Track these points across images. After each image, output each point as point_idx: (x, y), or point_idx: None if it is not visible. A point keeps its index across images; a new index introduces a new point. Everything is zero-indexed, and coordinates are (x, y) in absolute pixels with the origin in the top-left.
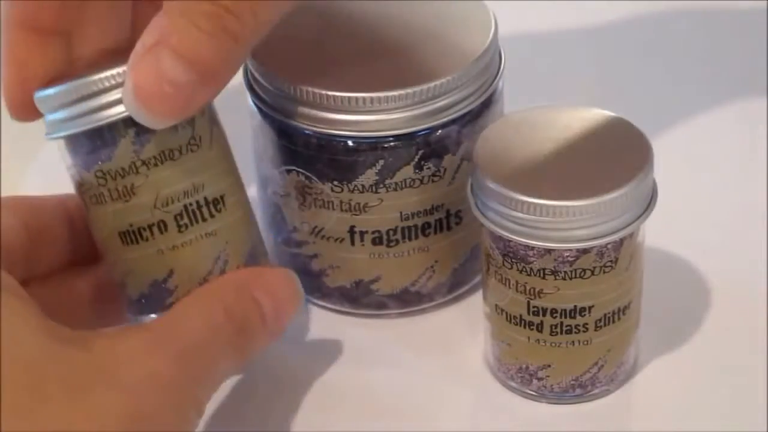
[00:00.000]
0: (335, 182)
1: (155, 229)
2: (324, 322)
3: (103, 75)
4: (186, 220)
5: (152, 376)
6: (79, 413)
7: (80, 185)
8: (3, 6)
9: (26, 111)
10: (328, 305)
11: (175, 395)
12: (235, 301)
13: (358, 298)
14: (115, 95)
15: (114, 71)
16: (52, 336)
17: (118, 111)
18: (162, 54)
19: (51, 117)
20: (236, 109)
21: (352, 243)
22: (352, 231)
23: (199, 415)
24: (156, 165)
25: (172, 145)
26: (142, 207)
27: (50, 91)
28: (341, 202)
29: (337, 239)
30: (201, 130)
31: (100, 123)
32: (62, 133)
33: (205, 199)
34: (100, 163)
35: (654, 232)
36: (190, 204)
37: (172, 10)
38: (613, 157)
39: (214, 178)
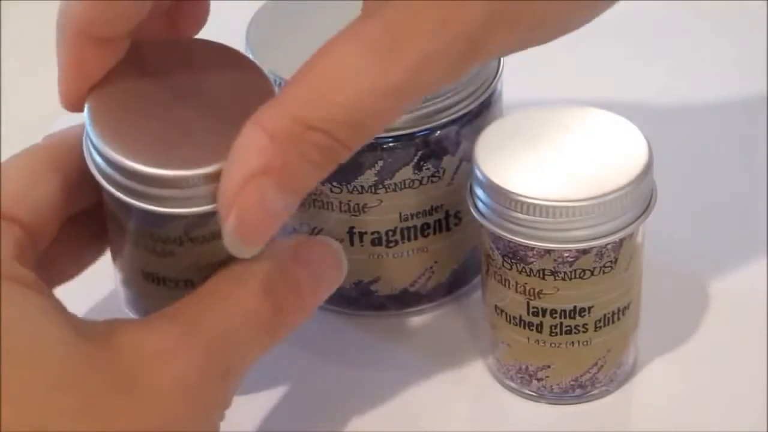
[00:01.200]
0: (334, 183)
1: (182, 284)
2: (323, 323)
3: (190, 173)
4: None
5: (178, 380)
6: (99, 421)
7: (114, 217)
8: (61, 12)
9: (81, 105)
10: (328, 306)
11: (202, 396)
12: (271, 278)
13: (358, 299)
14: (195, 192)
15: (203, 171)
16: (75, 335)
17: (196, 208)
18: (267, 188)
19: (113, 174)
20: None
21: (352, 244)
22: (351, 232)
23: (225, 407)
24: (203, 243)
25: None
26: (176, 267)
27: (137, 166)
28: (340, 202)
29: (336, 240)
30: None
31: (171, 212)
32: (122, 198)
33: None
34: (149, 226)
35: (654, 232)
36: (221, 265)
37: (278, 134)
38: (613, 157)
39: None
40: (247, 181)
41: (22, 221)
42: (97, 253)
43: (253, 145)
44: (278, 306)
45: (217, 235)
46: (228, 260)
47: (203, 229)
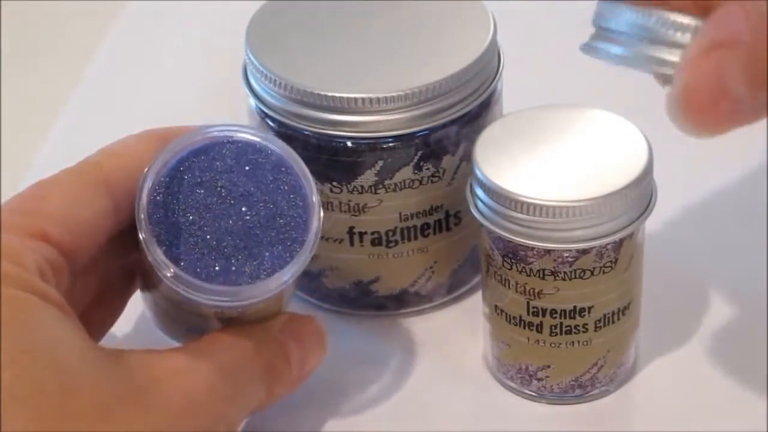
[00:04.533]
0: (334, 183)
1: (194, 319)
2: (323, 323)
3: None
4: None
5: (186, 396)
6: (108, 426)
7: (155, 267)
8: None
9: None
10: (327, 306)
11: (210, 415)
12: (264, 341)
13: (358, 299)
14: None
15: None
16: (90, 345)
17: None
18: (728, 63)
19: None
20: (236, 110)
21: (351, 244)
22: (351, 232)
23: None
24: (228, 321)
25: (255, 317)
26: (190, 316)
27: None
28: (340, 202)
29: (336, 240)
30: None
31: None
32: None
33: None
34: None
35: (654, 232)
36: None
37: (752, 12)
38: (613, 157)
39: (268, 315)
40: (708, 50)
41: (58, 242)
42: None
43: (728, 17)
44: (270, 365)
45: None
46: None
47: (193, 307)
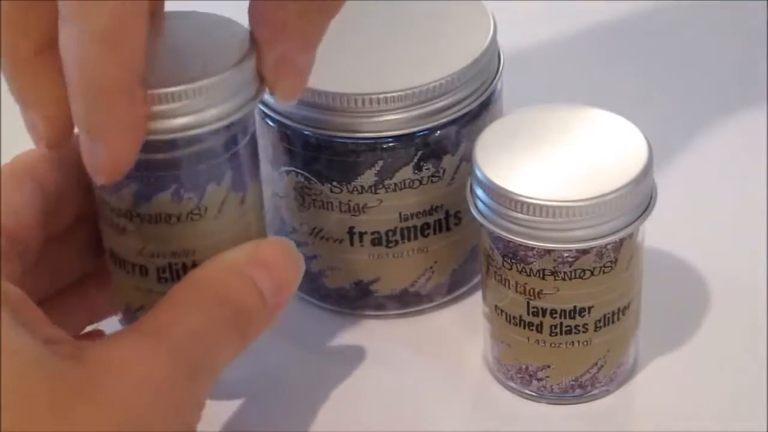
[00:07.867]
0: (334, 183)
1: (137, 270)
2: (323, 323)
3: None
4: (167, 275)
5: (144, 381)
6: (64, 425)
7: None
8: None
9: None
10: (328, 306)
11: (170, 395)
12: (227, 284)
13: (358, 299)
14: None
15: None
16: (42, 346)
17: None
18: None
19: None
20: None
21: (352, 244)
22: (351, 232)
23: (199, 408)
24: (150, 222)
25: (171, 210)
26: (129, 248)
27: None
28: (340, 202)
29: (336, 240)
30: (210, 201)
31: None
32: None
33: (193, 262)
34: (106, 194)
35: (654, 232)
36: (175, 263)
37: None
38: (613, 157)
39: (209, 248)
40: None
41: (4, 227)
42: (91, 264)
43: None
44: (239, 309)
45: (163, 218)
46: (179, 252)
47: (148, 206)
